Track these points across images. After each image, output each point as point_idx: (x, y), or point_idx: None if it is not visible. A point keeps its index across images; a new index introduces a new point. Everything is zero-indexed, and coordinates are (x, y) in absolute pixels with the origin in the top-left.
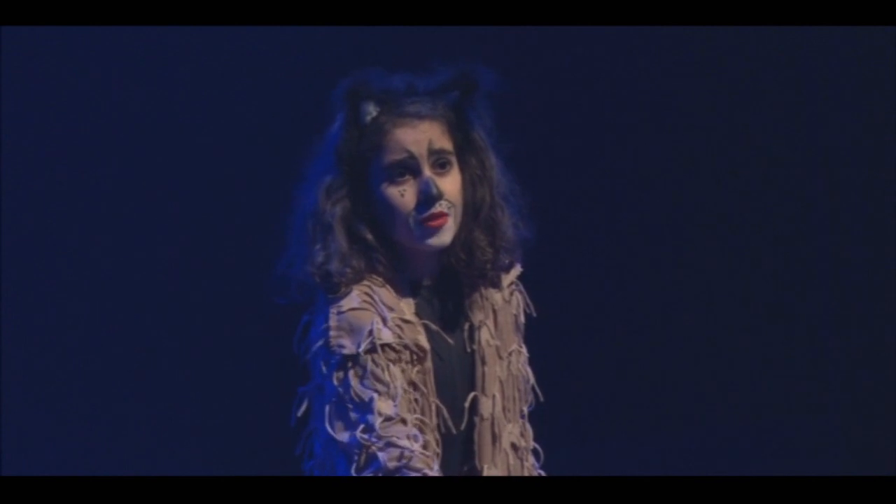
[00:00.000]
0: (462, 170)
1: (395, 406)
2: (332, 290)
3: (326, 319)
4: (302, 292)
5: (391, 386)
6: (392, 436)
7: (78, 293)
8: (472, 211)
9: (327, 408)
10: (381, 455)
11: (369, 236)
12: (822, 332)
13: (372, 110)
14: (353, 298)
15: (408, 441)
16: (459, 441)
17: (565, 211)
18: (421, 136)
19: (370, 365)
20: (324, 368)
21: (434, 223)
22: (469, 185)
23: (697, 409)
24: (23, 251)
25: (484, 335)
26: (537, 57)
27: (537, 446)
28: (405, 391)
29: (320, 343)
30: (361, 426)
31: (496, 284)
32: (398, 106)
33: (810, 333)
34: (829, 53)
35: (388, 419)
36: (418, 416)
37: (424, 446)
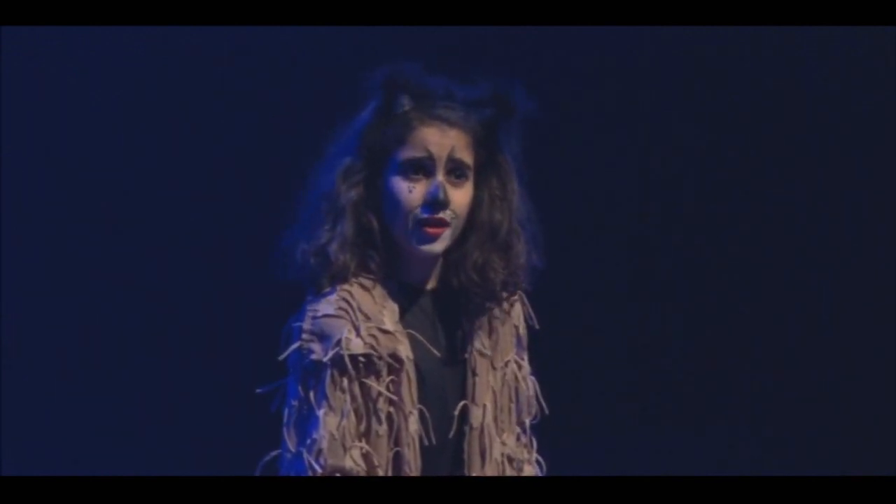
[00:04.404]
0: (478, 187)
1: (340, 429)
2: (318, 282)
3: (303, 322)
4: (301, 273)
5: (342, 406)
6: (331, 466)
7: (78, 293)
8: (490, 232)
9: (286, 410)
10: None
11: (375, 226)
12: (821, 332)
13: (405, 103)
14: (331, 304)
15: (352, 464)
16: (449, 450)
17: (563, 217)
18: (445, 140)
19: (328, 379)
20: (292, 371)
21: (432, 230)
22: (487, 205)
23: (697, 410)
24: (23, 251)
25: (476, 344)
26: (542, 62)
27: (540, 458)
28: (360, 413)
29: (295, 345)
30: (308, 441)
31: (498, 300)
32: (431, 106)
33: (810, 333)
34: (829, 53)
35: (332, 439)
36: (361, 444)
37: (368, 468)
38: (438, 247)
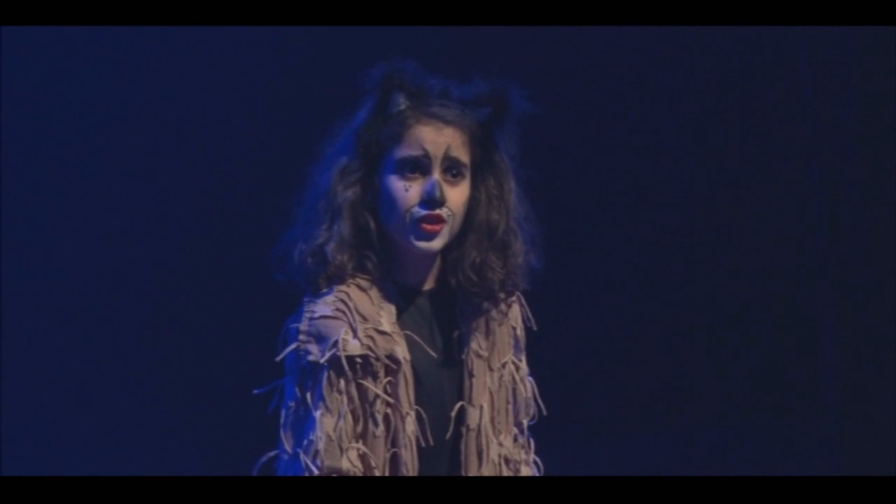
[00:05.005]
0: (475, 187)
1: (337, 430)
2: (316, 283)
3: (300, 323)
4: (298, 273)
5: (338, 407)
6: (327, 467)
7: (77, 293)
8: (488, 232)
9: (284, 411)
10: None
11: (372, 226)
12: (821, 333)
13: (401, 102)
14: (328, 305)
15: (348, 465)
16: (446, 451)
17: (562, 217)
18: (441, 139)
19: (325, 381)
20: (289, 372)
21: (429, 227)
22: (485, 204)
23: (695, 410)
24: (23, 251)
25: (473, 346)
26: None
27: (538, 458)
28: (357, 414)
29: (292, 346)
30: (304, 442)
31: (496, 301)
32: (427, 105)
33: (809, 333)
34: (830, 53)
35: (329, 441)
36: (358, 445)
37: (365, 469)
38: (437, 244)
